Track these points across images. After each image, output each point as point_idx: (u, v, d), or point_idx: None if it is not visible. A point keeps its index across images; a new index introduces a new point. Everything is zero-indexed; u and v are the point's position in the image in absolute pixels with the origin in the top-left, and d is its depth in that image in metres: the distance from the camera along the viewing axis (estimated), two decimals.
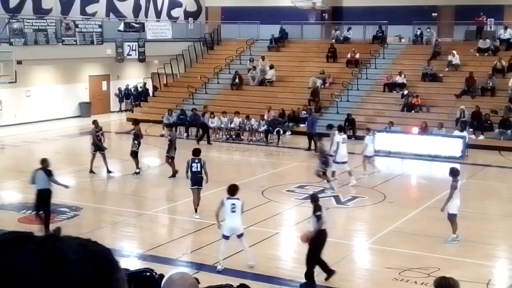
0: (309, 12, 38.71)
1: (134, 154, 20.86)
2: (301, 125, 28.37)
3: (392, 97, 30.50)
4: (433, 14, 37.52)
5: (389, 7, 36.59)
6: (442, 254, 13.47)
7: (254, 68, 34.19)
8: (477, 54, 32.29)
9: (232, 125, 28.41)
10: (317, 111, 29.94)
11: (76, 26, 31.69)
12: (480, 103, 27.77)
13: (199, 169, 16.06)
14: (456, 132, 25.04)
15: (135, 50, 34.57)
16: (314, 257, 11.72)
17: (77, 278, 1.12)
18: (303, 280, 11.75)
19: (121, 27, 34.30)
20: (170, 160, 20.20)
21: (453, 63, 31.42)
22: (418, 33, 35.03)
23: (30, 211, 15.71)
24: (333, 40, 36.14)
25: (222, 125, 28.48)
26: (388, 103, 30.06)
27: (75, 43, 31.46)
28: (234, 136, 28.34)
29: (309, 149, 24.96)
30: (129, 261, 12.48)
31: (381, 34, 35.55)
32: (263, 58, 34.74)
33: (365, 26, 36.45)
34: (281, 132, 27.91)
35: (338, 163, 19.78)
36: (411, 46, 34.97)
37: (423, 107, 28.97)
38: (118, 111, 37.12)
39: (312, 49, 36.12)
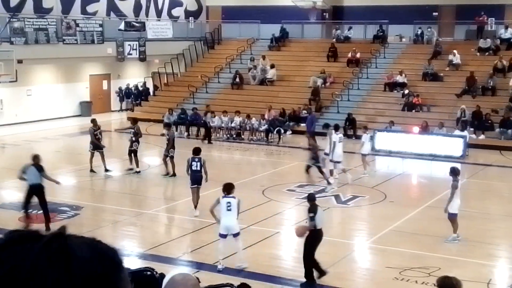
0: (309, 12, 38.69)
1: (134, 153, 20.88)
2: (302, 125, 28.35)
3: (392, 96, 30.49)
4: (434, 13, 37.49)
5: (389, 6, 36.56)
6: (443, 254, 13.46)
7: (255, 67, 34.19)
8: (478, 54, 32.28)
9: (233, 125, 28.41)
10: (318, 110, 29.95)
11: (77, 25, 31.69)
12: (481, 103, 27.76)
13: (198, 168, 16.12)
14: (457, 132, 25.03)
15: (136, 49, 34.56)
16: (309, 256, 11.74)
17: (85, 276, 1.12)
18: (304, 280, 11.76)
19: (122, 26, 34.29)
20: (169, 159, 20.19)
21: (453, 62, 31.40)
22: (419, 32, 35.01)
23: (31, 210, 15.68)
24: (334, 40, 36.13)
25: (223, 125, 28.48)
26: (389, 103, 30.05)
27: (75, 42, 31.46)
28: (234, 136, 28.33)
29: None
30: (130, 260, 12.48)
31: (381, 33, 35.54)
32: (263, 57, 34.74)
33: (366, 25, 36.44)
34: (282, 131, 27.91)
35: (334, 162, 19.91)
36: (412, 45, 34.95)
37: (424, 107, 28.97)
38: (118, 110, 37.13)
39: (313, 49, 36.11)
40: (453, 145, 24.33)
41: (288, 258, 13.35)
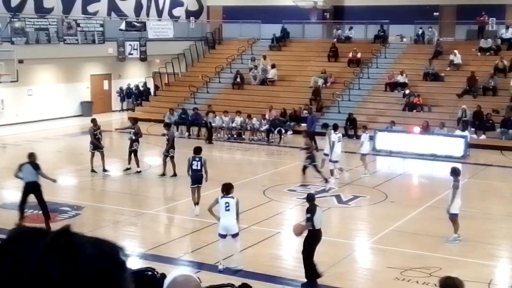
0: (310, 12, 38.68)
1: (134, 153, 20.89)
2: (303, 125, 28.33)
3: (393, 96, 30.48)
4: (435, 13, 37.47)
5: (390, 6, 36.54)
6: (444, 254, 13.46)
7: (256, 67, 34.18)
8: (479, 54, 32.26)
9: (234, 125, 28.41)
10: (319, 110, 29.95)
11: (78, 25, 31.70)
12: (482, 103, 27.75)
13: (199, 167, 16.15)
14: (458, 132, 25.01)
15: (137, 49, 34.57)
16: (309, 256, 11.74)
17: (93, 271, 1.13)
18: (305, 280, 11.76)
19: (123, 26, 34.30)
20: (170, 160, 20.18)
21: (454, 62, 31.39)
22: (420, 32, 35.00)
23: (32, 210, 15.70)
24: (335, 40, 36.13)
25: (224, 125, 28.48)
26: (390, 103, 30.04)
27: (76, 42, 31.46)
28: (235, 136, 28.33)
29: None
30: (131, 260, 12.46)
31: (382, 33, 35.52)
32: (264, 57, 34.73)
33: (367, 25, 36.43)
34: (283, 131, 27.90)
35: (333, 161, 19.94)
36: (413, 45, 34.94)
37: (425, 107, 28.95)
38: (119, 110, 37.12)
39: (314, 49, 36.10)
40: (454, 145, 24.32)
41: (289, 258, 13.34)
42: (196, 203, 16.11)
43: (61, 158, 24.89)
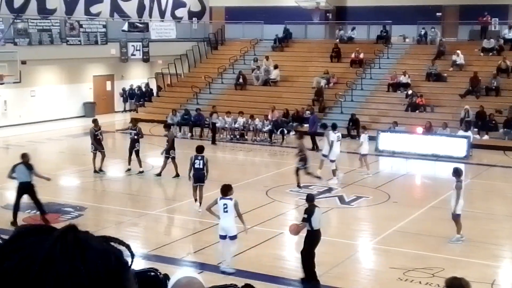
0: (313, 12, 38.69)
1: (136, 153, 20.92)
2: (305, 125, 28.34)
3: (396, 97, 30.46)
4: (438, 13, 37.45)
5: (393, 6, 36.54)
6: (447, 254, 13.45)
7: (258, 68, 34.19)
8: (482, 54, 32.23)
9: (236, 125, 28.42)
10: (321, 111, 29.94)
11: (80, 26, 31.74)
12: (485, 103, 27.72)
13: (201, 166, 16.23)
14: (461, 132, 24.99)
15: (139, 50, 34.59)
16: (309, 256, 11.75)
17: (101, 267, 1.14)
18: (306, 279, 11.76)
19: (125, 27, 34.33)
20: (171, 161, 20.18)
21: (457, 63, 31.37)
22: (423, 32, 34.98)
23: (34, 211, 15.74)
24: (337, 40, 36.13)
25: (226, 125, 28.49)
26: (392, 103, 30.02)
27: (79, 43, 31.50)
28: (238, 136, 28.34)
29: (313, 148, 24.92)
30: (134, 261, 12.48)
31: (385, 34, 35.51)
32: (267, 58, 34.73)
33: (369, 26, 36.41)
34: (285, 132, 27.90)
35: (332, 160, 19.99)
36: (416, 46, 34.92)
37: (428, 107, 28.93)
38: (122, 111, 37.14)
39: (316, 49, 36.10)
40: (457, 145, 24.29)
41: (291, 258, 13.33)
42: (199, 202, 16.15)
43: (64, 158, 24.92)
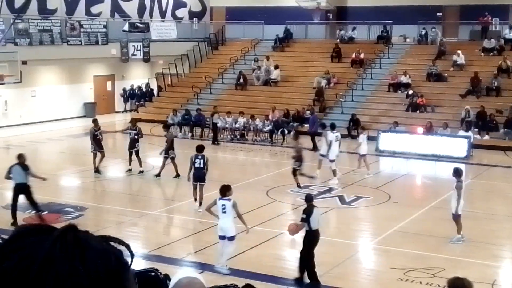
0: (313, 12, 38.69)
1: (136, 153, 20.94)
2: (306, 125, 28.34)
3: (397, 97, 30.46)
4: (438, 14, 37.45)
5: (394, 7, 36.54)
6: (447, 255, 13.45)
7: (259, 68, 34.19)
8: (482, 54, 32.23)
9: (237, 125, 28.42)
10: (322, 111, 29.94)
11: (81, 26, 31.75)
12: (485, 103, 27.71)
13: (202, 165, 16.27)
14: (461, 132, 24.99)
15: (140, 50, 34.60)
16: (308, 257, 11.75)
17: (101, 267, 1.14)
18: (307, 281, 11.76)
19: (126, 27, 34.33)
20: (170, 161, 20.18)
21: (458, 63, 31.36)
22: (423, 33, 34.99)
23: (35, 211, 15.74)
24: (338, 40, 36.13)
25: (227, 125, 28.49)
26: (393, 103, 30.02)
27: (80, 43, 31.51)
28: (238, 136, 28.34)
29: (313, 149, 24.92)
30: (134, 261, 12.48)
31: (386, 34, 35.51)
32: (267, 58, 34.74)
33: (370, 26, 36.41)
34: (286, 132, 27.90)
35: (331, 160, 20.02)
36: (416, 46, 34.92)
37: (428, 107, 28.93)
38: (123, 111, 37.14)
39: (317, 49, 36.11)
40: (458, 145, 24.29)
41: (292, 259, 13.32)
42: (199, 202, 16.17)
43: (64, 159, 24.93)
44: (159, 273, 6.54)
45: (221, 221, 12.29)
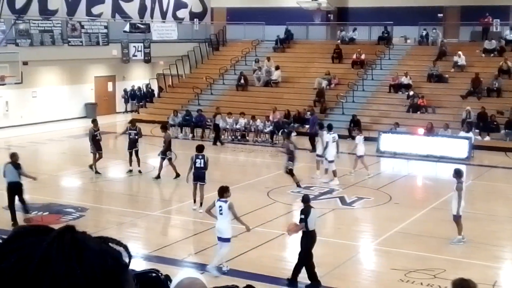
0: (314, 13, 38.71)
1: (136, 153, 20.94)
2: (306, 126, 28.33)
3: (397, 98, 30.45)
4: (439, 15, 37.46)
5: (394, 8, 36.55)
6: (448, 255, 13.44)
7: (260, 69, 34.19)
8: (483, 55, 32.22)
9: (238, 126, 28.42)
10: (323, 112, 29.93)
11: (82, 27, 31.77)
12: (486, 104, 27.69)
13: (202, 165, 16.30)
14: (462, 133, 24.97)
15: (141, 51, 34.62)
16: (307, 258, 11.75)
17: (97, 267, 1.14)
18: (308, 282, 11.75)
19: (127, 28, 34.36)
20: (168, 162, 20.17)
21: (458, 64, 31.35)
22: (424, 34, 34.98)
23: (36, 212, 15.76)
24: (339, 41, 36.12)
25: (228, 126, 28.49)
26: (394, 104, 30.02)
27: (81, 44, 31.53)
28: (239, 137, 28.34)
29: (313, 150, 24.90)
30: (135, 262, 12.47)
31: (386, 34, 35.51)
32: (268, 59, 34.74)
33: (371, 27, 36.42)
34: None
35: (329, 161, 20.06)
36: (417, 47, 34.92)
37: (429, 108, 28.92)
38: (123, 112, 37.15)
39: (318, 50, 36.11)
40: (458, 146, 24.28)
41: (293, 260, 13.30)
42: (199, 202, 16.17)
43: (65, 159, 24.93)
44: (160, 274, 6.55)
45: (218, 223, 12.32)
